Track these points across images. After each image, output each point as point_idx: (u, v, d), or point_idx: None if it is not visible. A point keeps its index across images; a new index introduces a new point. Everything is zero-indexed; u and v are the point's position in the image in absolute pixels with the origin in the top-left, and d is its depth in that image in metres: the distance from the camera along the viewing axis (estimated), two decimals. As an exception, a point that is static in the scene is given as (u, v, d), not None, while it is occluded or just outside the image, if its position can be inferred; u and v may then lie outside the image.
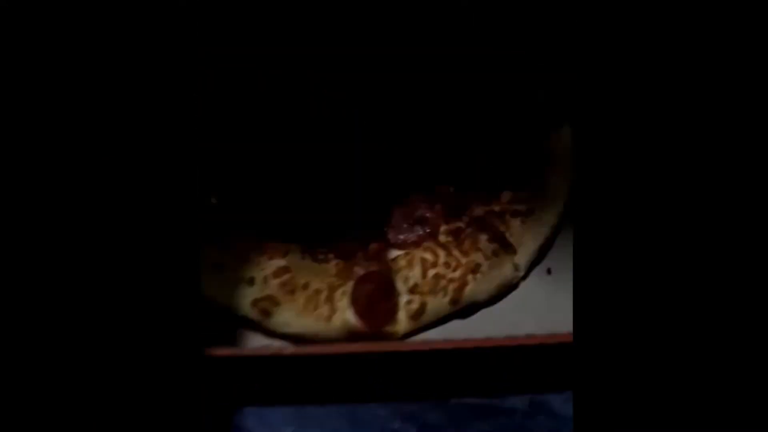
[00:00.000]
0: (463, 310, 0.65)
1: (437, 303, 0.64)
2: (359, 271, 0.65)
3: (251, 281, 0.64)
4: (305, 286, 0.64)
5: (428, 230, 0.68)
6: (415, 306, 0.64)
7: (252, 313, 0.64)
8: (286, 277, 0.64)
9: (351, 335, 0.63)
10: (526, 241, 0.68)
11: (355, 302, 0.63)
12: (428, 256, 0.66)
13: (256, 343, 0.63)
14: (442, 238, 0.67)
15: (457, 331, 0.64)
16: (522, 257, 0.67)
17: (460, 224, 0.68)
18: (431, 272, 0.65)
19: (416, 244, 0.67)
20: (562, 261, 0.68)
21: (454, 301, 0.64)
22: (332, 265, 0.66)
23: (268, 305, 0.63)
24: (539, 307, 0.65)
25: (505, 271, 0.66)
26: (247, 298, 0.64)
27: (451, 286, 0.64)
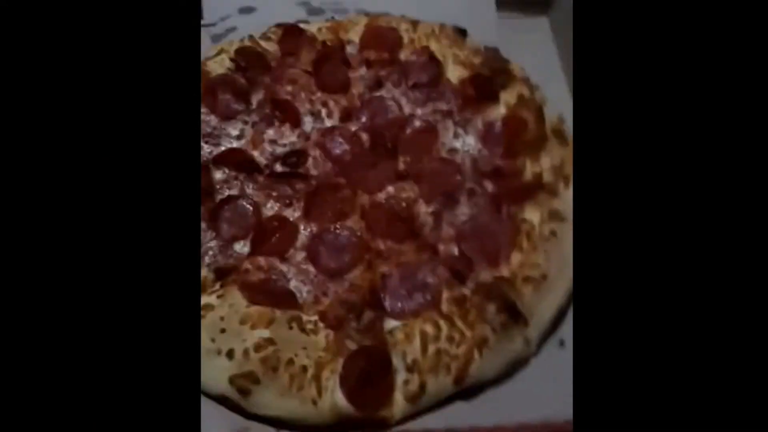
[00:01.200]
0: (468, 390, 0.57)
1: (439, 383, 0.56)
2: (351, 345, 0.58)
3: (230, 354, 0.57)
4: (290, 362, 0.57)
5: (429, 298, 0.61)
6: (413, 387, 0.56)
7: (229, 392, 0.56)
8: (269, 350, 0.57)
9: (340, 420, 0.55)
10: (539, 312, 0.60)
11: (346, 382, 0.56)
12: (429, 328, 0.58)
13: (233, 426, 0.56)
14: (445, 307, 0.60)
15: (460, 415, 0.57)
16: (534, 330, 0.60)
17: (466, 291, 0.61)
18: (432, 347, 0.57)
19: (416, 313, 0.60)
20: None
21: (457, 381, 0.57)
22: (321, 337, 0.59)
23: (247, 383, 0.56)
24: (552, 386, 0.56)
25: (515, 346, 0.59)
26: (224, 374, 0.56)
27: (455, 364, 0.57)
